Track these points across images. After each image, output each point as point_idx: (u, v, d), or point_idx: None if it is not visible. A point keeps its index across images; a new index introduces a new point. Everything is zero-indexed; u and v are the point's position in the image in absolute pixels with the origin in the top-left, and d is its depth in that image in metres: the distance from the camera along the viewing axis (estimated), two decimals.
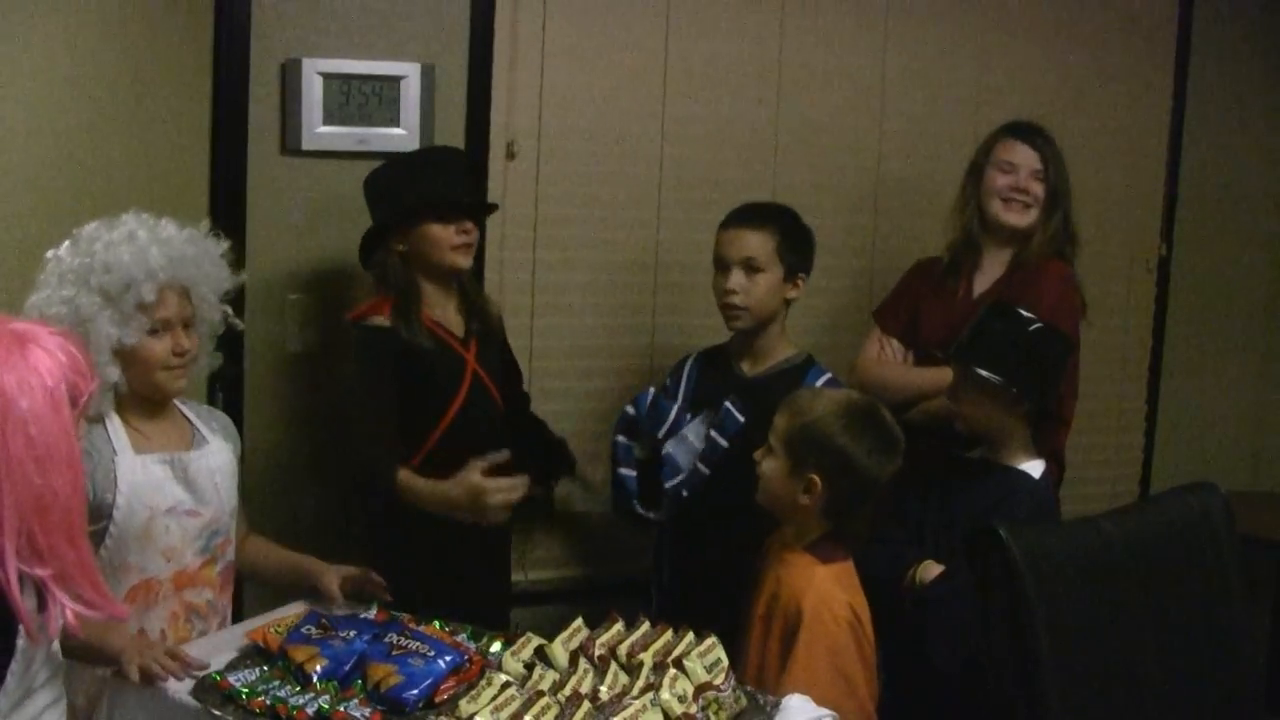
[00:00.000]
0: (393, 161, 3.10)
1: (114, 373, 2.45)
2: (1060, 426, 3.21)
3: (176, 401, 2.63)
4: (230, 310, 2.65)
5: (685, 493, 3.09)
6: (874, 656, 2.61)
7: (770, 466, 2.64)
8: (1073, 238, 3.30)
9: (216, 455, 2.60)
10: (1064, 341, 2.97)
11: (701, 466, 3.07)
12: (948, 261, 3.36)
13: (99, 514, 2.44)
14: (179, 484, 2.52)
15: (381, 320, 2.98)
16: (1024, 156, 3.25)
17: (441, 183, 3.01)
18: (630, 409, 3.25)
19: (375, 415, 2.95)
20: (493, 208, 3.20)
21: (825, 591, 2.56)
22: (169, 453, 2.53)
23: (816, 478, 2.58)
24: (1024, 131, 3.29)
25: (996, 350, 2.87)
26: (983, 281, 3.29)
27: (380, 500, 2.98)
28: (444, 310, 3.06)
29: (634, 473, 3.19)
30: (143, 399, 2.54)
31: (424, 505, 2.84)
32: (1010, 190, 3.25)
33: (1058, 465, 3.23)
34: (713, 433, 3.07)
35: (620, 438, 3.23)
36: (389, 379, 2.96)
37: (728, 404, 3.06)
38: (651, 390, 3.26)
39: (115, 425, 2.50)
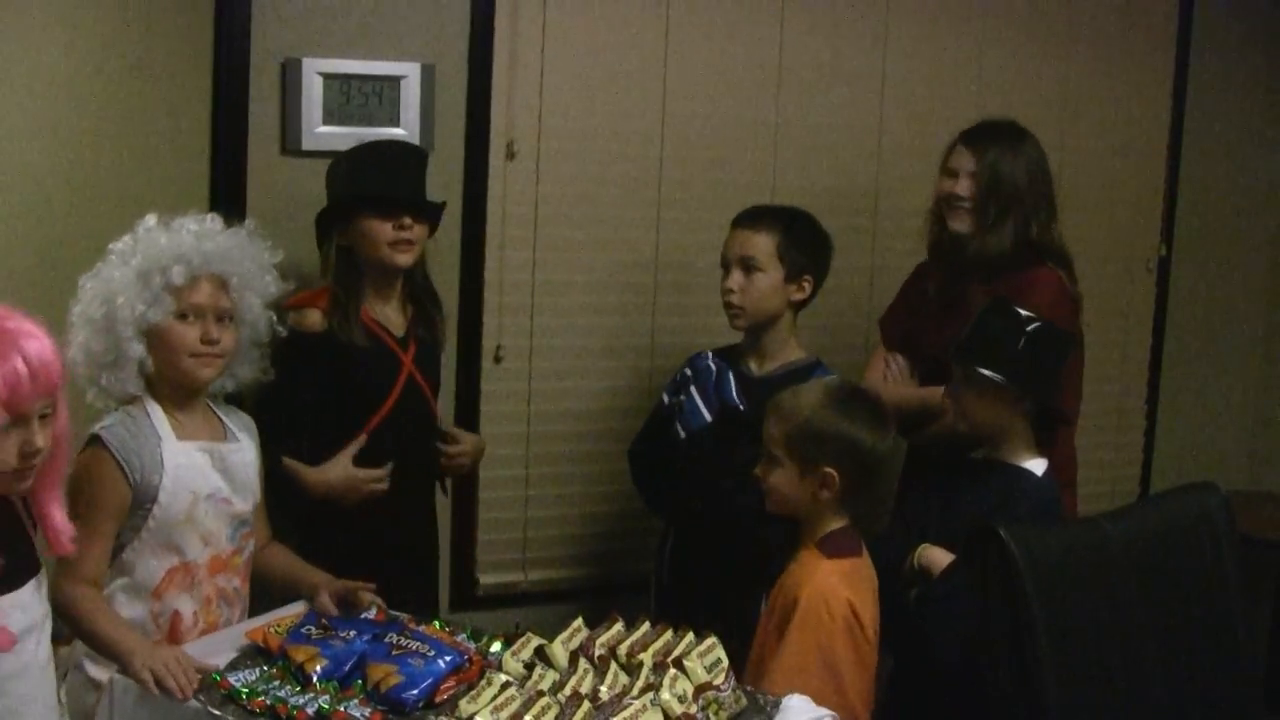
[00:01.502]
0: (344, 153, 3.05)
1: (138, 349, 2.51)
2: (1062, 427, 3.20)
3: (207, 401, 2.67)
4: (275, 317, 2.69)
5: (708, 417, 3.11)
6: (873, 660, 2.59)
7: (779, 476, 2.64)
8: (1045, 247, 3.20)
9: (247, 452, 2.66)
10: (1064, 338, 2.96)
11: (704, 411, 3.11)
12: (932, 269, 3.34)
13: (144, 497, 2.49)
14: (218, 472, 2.58)
15: (314, 316, 2.97)
16: (962, 160, 3.22)
17: (381, 176, 2.97)
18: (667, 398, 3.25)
19: (274, 416, 2.92)
20: (436, 207, 3.09)
21: (825, 585, 2.56)
22: (207, 442, 2.59)
23: (831, 470, 2.59)
24: (971, 135, 3.24)
25: (996, 349, 2.87)
26: (974, 287, 3.27)
27: (300, 500, 3.00)
28: (383, 308, 3.04)
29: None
30: (176, 388, 2.58)
31: (305, 489, 2.94)
32: (948, 196, 3.24)
33: (1068, 464, 3.21)
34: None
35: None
36: (302, 387, 2.95)
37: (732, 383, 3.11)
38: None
39: (157, 413, 2.56)
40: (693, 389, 3.16)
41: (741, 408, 3.06)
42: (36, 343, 2.01)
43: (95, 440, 2.48)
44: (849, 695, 2.53)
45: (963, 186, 3.21)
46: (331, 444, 3.00)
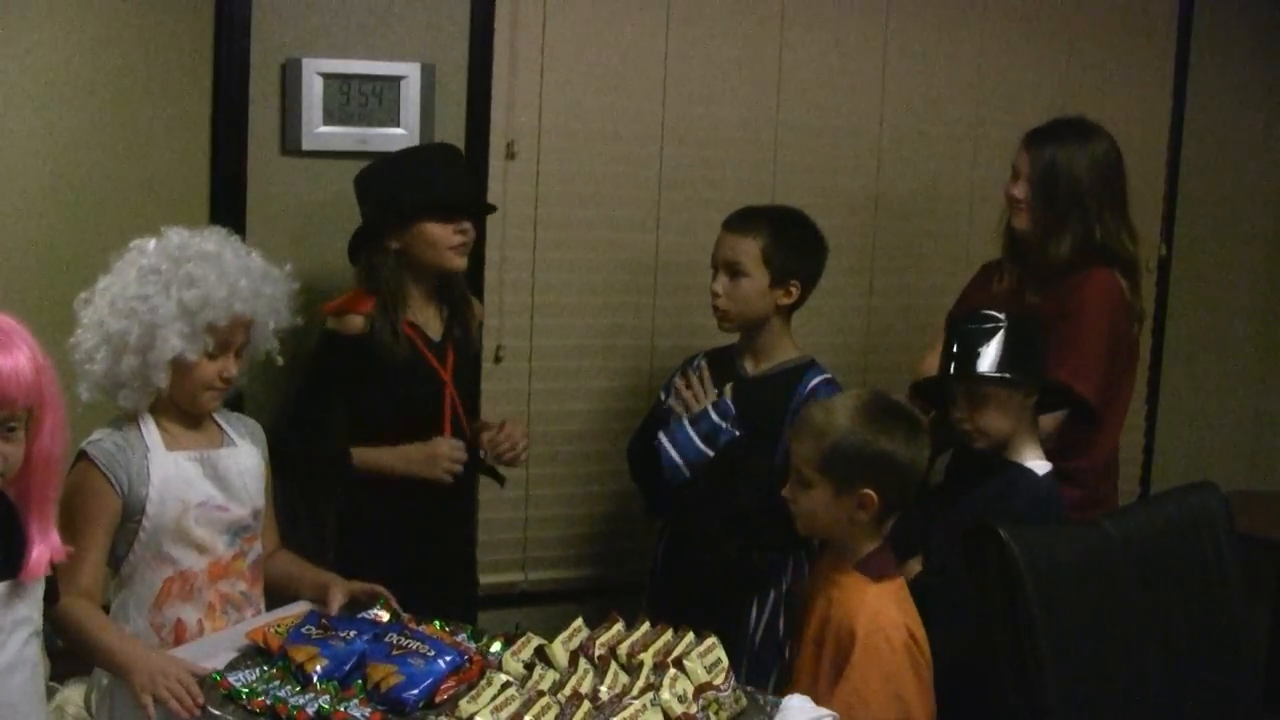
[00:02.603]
0: (390, 158, 3.08)
1: (163, 378, 2.49)
2: (1092, 451, 3.17)
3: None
4: (278, 346, 2.68)
5: (687, 474, 3.08)
6: (931, 676, 2.51)
7: (812, 498, 2.54)
8: (1108, 251, 3.13)
9: (245, 457, 2.64)
10: (1034, 320, 2.92)
11: (703, 446, 3.07)
12: (1004, 268, 3.30)
13: (133, 508, 2.49)
14: (208, 480, 2.56)
15: (357, 321, 2.97)
16: (1021, 160, 3.19)
17: (444, 181, 3.00)
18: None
19: (311, 415, 2.99)
20: (491, 208, 3.20)
21: (879, 613, 2.47)
22: (198, 450, 2.57)
23: (870, 491, 2.50)
24: (1031, 135, 3.21)
25: (985, 353, 2.84)
26: (1033, 288, 3.21)
27: (341, 500, 3.04)
28: (424, 313, 3.05)
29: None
30: (180, 407, 2.58)
31: (384, 469, 2.98)
32: (1009, 196, 3.21)
33: (1110, 465, 3.18)
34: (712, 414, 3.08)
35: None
36: (334, 387, 3.02)
37: (724, 399, 3.08)
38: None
39: (149, 425, 2.55)
40: (664, 439, 3.10)
41: (737, 433, 3.04)
42: (4, 357, 1.99)
43: (82, 456, 2.48)
44: None
45: (1019, 189, 3.17)
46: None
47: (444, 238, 2.97)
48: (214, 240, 2.56)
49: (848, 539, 2.56)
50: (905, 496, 2.57)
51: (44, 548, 2.12)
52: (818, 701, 2.42)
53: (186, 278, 2.48)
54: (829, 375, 3.11)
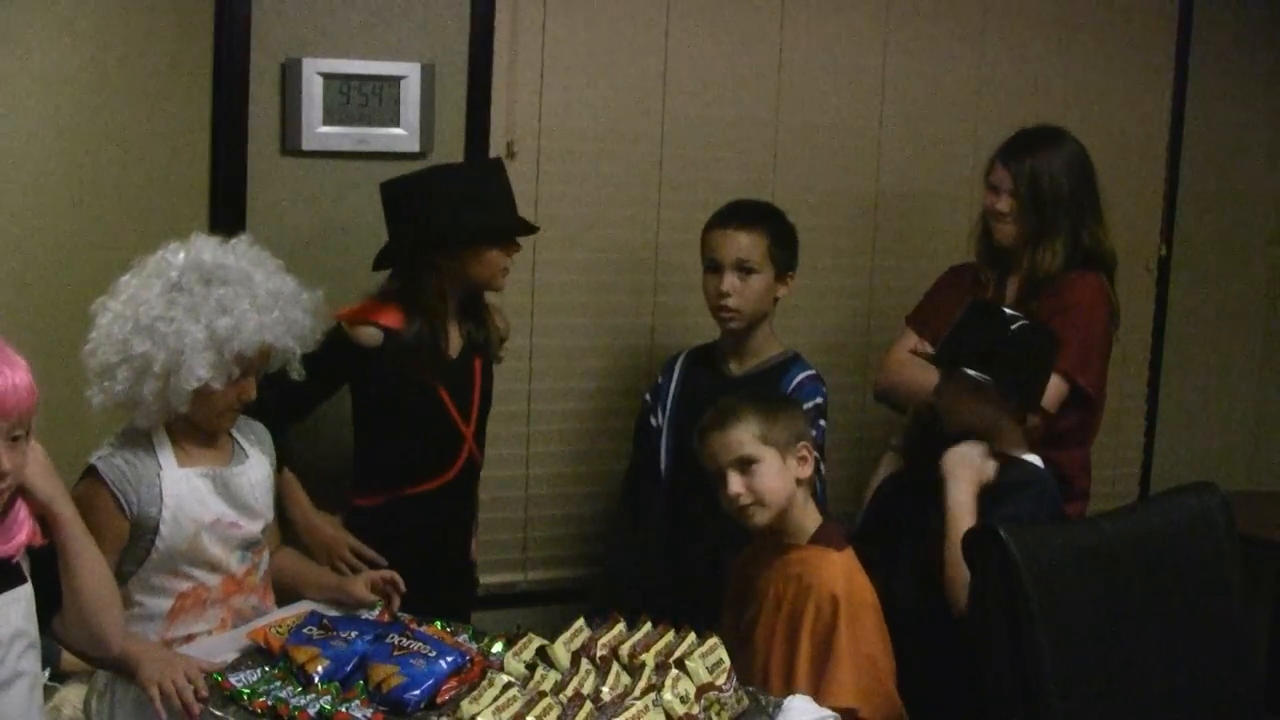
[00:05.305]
0: (437, 174, 3.01)
1: (184, 405, 2.45)
2: (1077, 446, 3.18)
3: None
4: (300, 368, 2.63)
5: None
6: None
7: (762, 472, 2.66)
8: (1095, 253, 3.18)
9: (256, 469, 2.61)
10: (1050, 338, 2.92)
11: None
12: (974, 274, 3.31)
13: (143, 529, 2.45)
14: (220, 497, 2.53)
15: (373, 334, 2.93)
16: (1000, 176, 3.19)
17: (505, 205, 2.99)
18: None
19: (288, 397, 2.87)
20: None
21: (850, 577, 2.62)
22: (210, 467, 2.54)
23: (806, 444, 2.72)
24: (1006, 150, 3.22)
25: (982, 349, 2.84)
26: (1011, 292, 3.23)
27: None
28: (449, 329, 3.03)
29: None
30: (196, 424, 2.54)
31: (290, 509, 2.92)
32: (992, 210, 3.22)
33: (1081, 475, 3.19)
34: None
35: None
36: (329, 379, 2.94)
37: None
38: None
39: (162, 441, 2.51)
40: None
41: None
42: (13, 373, 1.98)
43: (91, 472, 2.44)
44: (888, 684, 2.60)
45: (1003, 203, 3.18)
46: (367, 460, 3.02)
47: (499, 261, 2.96)
48: (245, 257, 2.51)
49: (798, 513, 2.68)
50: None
51: (23, 528, 2.07)
52: (795, 678, 2.52)
53: (217, 305, 2.43)
54: (813, 371, 3.12)
